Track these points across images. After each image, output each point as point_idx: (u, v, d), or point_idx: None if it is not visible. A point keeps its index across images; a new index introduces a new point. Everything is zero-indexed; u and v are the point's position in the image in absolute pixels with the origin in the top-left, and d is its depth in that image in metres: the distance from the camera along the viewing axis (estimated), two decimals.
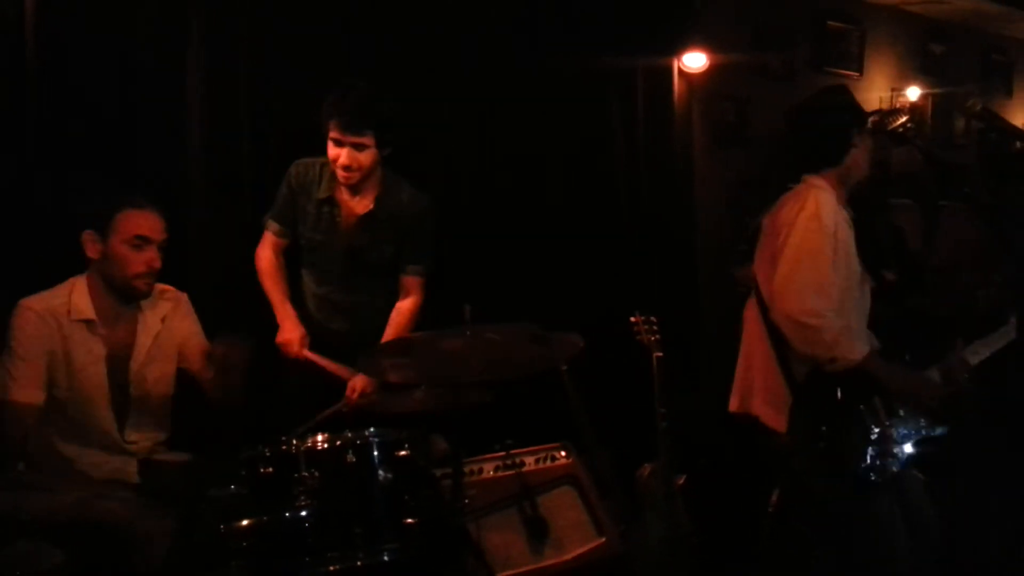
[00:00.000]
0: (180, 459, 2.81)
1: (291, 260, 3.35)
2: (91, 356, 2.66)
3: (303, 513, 2.37)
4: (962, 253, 3.61)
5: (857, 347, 2.68)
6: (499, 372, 2.56)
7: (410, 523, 2.45)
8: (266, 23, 3.54)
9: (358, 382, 3.12)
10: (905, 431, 2.76)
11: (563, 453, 3.41)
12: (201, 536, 2.37)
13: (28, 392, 2.56)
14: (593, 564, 3.29)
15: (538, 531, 3.23)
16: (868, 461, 2.69)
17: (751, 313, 3.04)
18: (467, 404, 2.67)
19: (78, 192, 3.11)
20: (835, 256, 2.74)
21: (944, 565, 2.96)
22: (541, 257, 4.17)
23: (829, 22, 5.76)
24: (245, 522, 2.35)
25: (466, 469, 3.07)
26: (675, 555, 3.60)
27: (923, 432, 2.82)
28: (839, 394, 2.72)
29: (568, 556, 3.25)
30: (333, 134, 3.08)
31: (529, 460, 3.34)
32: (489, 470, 3.26)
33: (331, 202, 3.21)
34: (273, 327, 3.22)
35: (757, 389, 2.99)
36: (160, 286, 2.83)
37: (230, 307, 3.34)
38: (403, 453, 2.53)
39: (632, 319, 3.77)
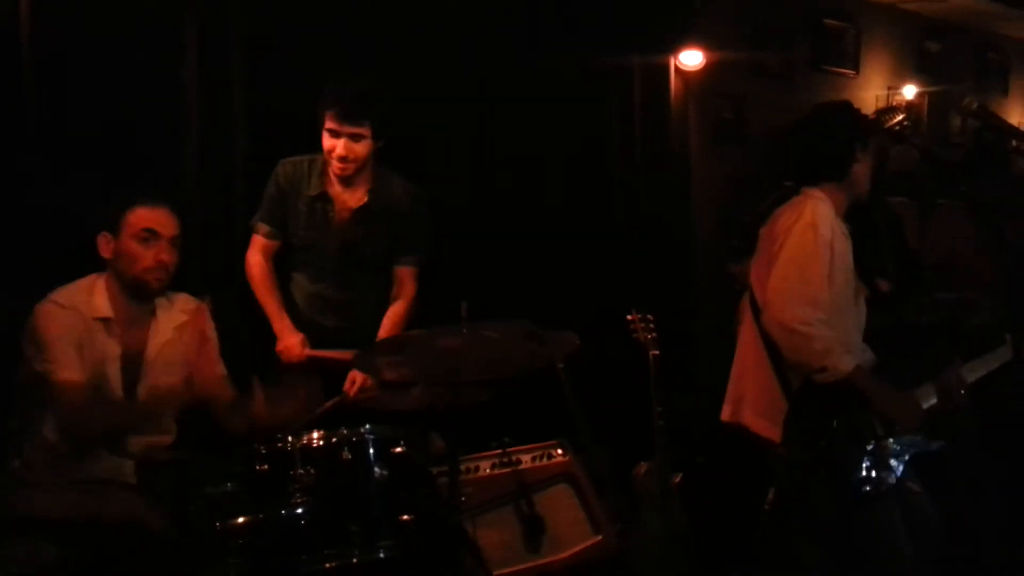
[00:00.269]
0: (176, 457, 2.80)
1: (279, 262, 3.33)
2: (106, 355, 2.66)
3: (299, 511, 2.36)
4: (959, 251, 3.61)
5: (846, 359, 2.65)
6: (496, 370, 2.56)
7: (406, 520, 2.45)
8: (263, 22, 3.53)
9: (356, 374, 3.12)
10: (901, 446, 2.74)
11: (559, 451, 3.41)
12: (197, 534, 2.37)
13: (70, 373, 2.56)
14: (589, 562, 3.29)
15: (534, 529, 3.23)
16: (864, 473, 2.68)
17: (746, 321, 3.03)
18: (464, 402, 2.67)
19: (92, 197, 3.12)
20: (830, 267, 2.73)
21: (945, 566, 2.96)
22: (538, 255, 4.17)
23: (826, 20, 5.76)
24: (241, 520, 2.34)
25: (462, 467, 3.07)
26: (671, 553, 3.61)
27: (919, 448, 2.81)
28: (836, 405, 2.70)
29: (564, 554, 3.25)
30: (330, 124, 3.07)
31: (525, 458, 3.34)
32: (486, 468, 3.26)
33: (324, 198, 3.20)
34: (266, 327, 3.22)
35: (748, 399, 2.98)
36: (180, 295, 2.83)
37: (226, 307, 3.33)
38: (399, 450, 2.53)
39: (629, 317, 3.77)
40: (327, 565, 2.35)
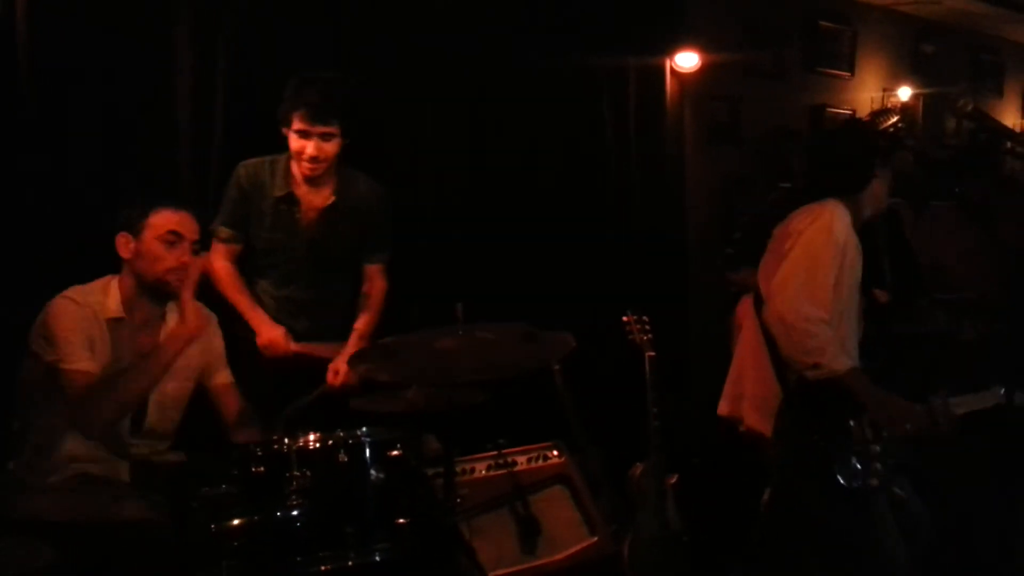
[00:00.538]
0: (172, 459, 2.80)
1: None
2: (118, 355, 2.66)
3: (294, 512, 2.36)
4: (948, 252, 3.62)
5: (841, 359, 2.68)
6: (491, 371, 2.56)
7: (402, 523, 2.44)
8: (257, 24, 3.53)
9: (340, 365, 3.11)
10: (888, 448, 2.75)
11: (555, 452, 3.41)
12: (192, 536, 2.36)
13: (81, 363, 2.55)
14: (585, 563, 3.29)
15: (530, 531, 3.23)
16: (852, 470, 2.69)
17: (748, 318, 3.05)
18: (459, 403, 2.68)
19: (88, 197, 3.14)
20: (839, 271, 2.76)
21: (938, 565, 2.97)
22: (533, 256, 4.18)
23: (821, 22, 5.78)
24: (236, 522, 2.33)
25: (458, 469, 3.07)
26: (667, 554, 3.61)
27: (906, 455, 2.83)
28: (828, 403, 2.72)
29: (560, 555, 3.26)
30: (299, 126, 3.03)
31: (521, 459, 3.34)
32: (481, 470, 3.27)
33: (290, 199, 3.16)
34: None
35: (747, 394, 3.00)
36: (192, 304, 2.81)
37: (221, 307, 3.33)
38: (395, 453, 2.52)
39: (624, 318, 3.77)
40: (322, 567, 2.34)
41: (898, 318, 3.18)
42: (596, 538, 3.34)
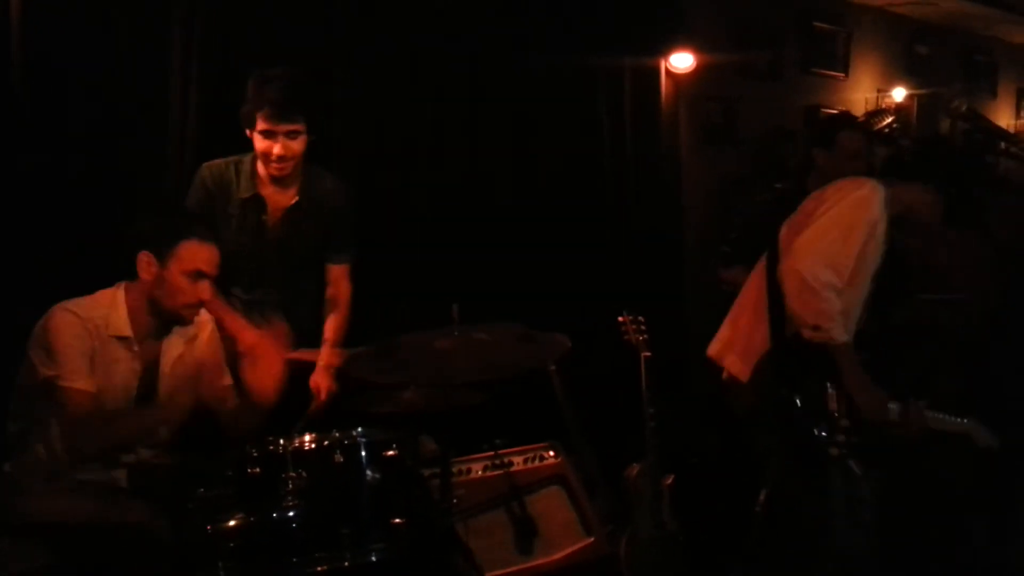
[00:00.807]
0: (168, 460, 2.79)
1: None
2: (126, 372, 2.63)
3: (291, 513, 2.36)
4: (944, 251, 3.63)
5: (841, 331, 2.72)
6: (488, 372, 2.56)
7: (398, 523, 2.44)
8: (254, 21, 3.52)
9: (320, 381, 3.08)
10: (856, 431, 2.78)
11: (551, 453, 3.41)
12: (189, 537, 2.36)
13: (79, 382, 2.52)
14: (581, 564, 3.30)
15: (526, 531, 3.23)
16: (815, 434, 2.73)
17: (758, 270, 3.08)
18: (456, 404, 2.67)
19: (84, 197, 3.13)
20: (864, 246, 2.78)
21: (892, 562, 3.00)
22: (529, 257, 4.18)
23: (815, 23, 5.79)
24: (232, 523, 2.33)
25: (454, 469, 3.07)
26: (663, 555, 3.61)
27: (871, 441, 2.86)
28: (815, 364, 2.75)
29: (556, 556, 3.26)
30: (263, 125, 2.96)
31: (517, 460, 3.34)
32: (477, 470, 3.26)
33: (256, 200, 3.10)
34: None
35: (736, 340, 3.06)
36: None
37: None
38: (391, 453, 2.52)
39: (620, 319, 3.77)
40: (318, 568, 2.34)
41: (888, 309, 3.19)
42: (592, 538, 3.34)
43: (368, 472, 2.47)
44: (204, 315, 2.82)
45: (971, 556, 3.33)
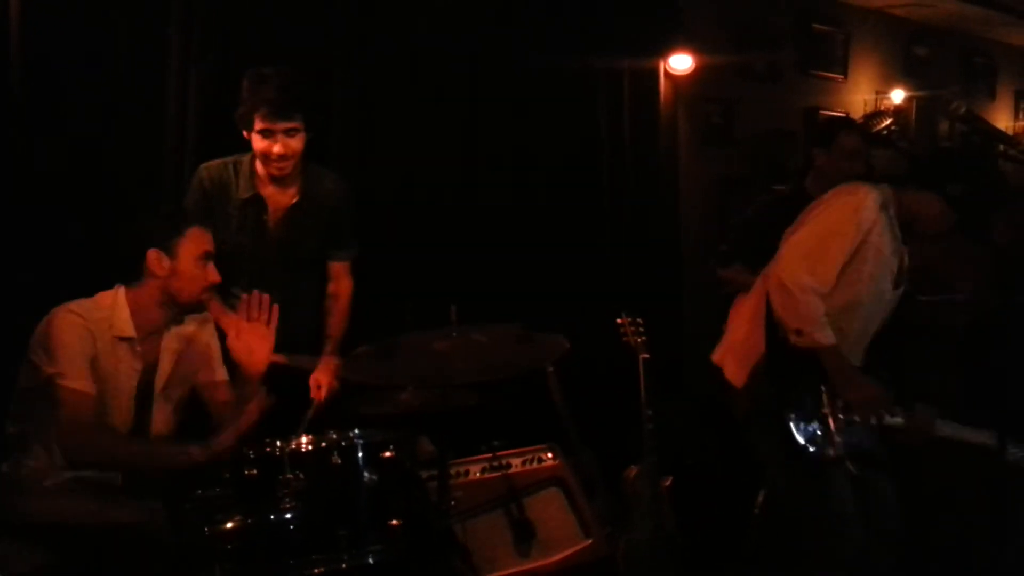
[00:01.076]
0: None
1: None
2: (127, 371, 2.63)
3: (288, 515, 2.35)
4: (942, 252, 3.62)
5: (825, 333, 2.72)
6: (486, 373, 2.56)
7: (395, 525, 2.44)
8: (251, 20, 3.52)
9: (321, 377, 3.08)
10: (854, 431, 2.78)
11: (549, 455, 3.41)
12: (185, 538, 2.36)
13: (79, 382, 2.52)
14: (579, 566, 3.29)
15: (524, 533, 3.23)
16: (810, 435, 2.73)
17: (763, 274, 3.08)
18: (453, 405, 2.67)
19: (80, 198, 3.12)
20: (855, 252, 2.77)
21: (910, 563, 2.99)
22: (527, 258, 4.18)
23: (814, 25, 5.79)
24: (229, 524, 2.33)
25: (452, 471, 3.07)
26: (661, 556, 3.60)
27: (870, 442, 2.85)
28: (807, 366, 2.75)
29: (554, 558, 3.25)
30: (261, 125, 2.95)
31: (515, 462, 3.34)
32: (475, 472, 3.26)
33: (256, 200, 3.10)
34: None
35: (735, 345, 3.09)
36: None
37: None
38: (389, 455, 2.52)
39: (618, 320, 3.77)
40: (316, 570, 2.34)
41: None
42: (590, 540, 3.34)
43: (365, 473, 2.46)
44: (202, 313, 2.82)
45: (972, 557, 3.33)
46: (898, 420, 2.82)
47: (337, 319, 3.23)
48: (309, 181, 3.15)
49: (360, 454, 2.48)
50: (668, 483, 3.72)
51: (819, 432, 2.73)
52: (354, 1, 3.79)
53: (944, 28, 6.58)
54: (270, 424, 2.79)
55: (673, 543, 3.65)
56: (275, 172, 3.05)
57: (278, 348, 3.11)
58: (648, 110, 4.77)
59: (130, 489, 2.63)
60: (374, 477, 2.46)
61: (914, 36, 6.46)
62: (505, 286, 4.01)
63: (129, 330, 2.62)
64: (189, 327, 2.78)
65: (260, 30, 3.52)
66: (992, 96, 7.16)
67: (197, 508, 2.34)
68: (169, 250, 2.62)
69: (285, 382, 3.05)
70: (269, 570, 2.34)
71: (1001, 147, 3.68)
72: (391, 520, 2.44)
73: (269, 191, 3.11)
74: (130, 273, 2.65)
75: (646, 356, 3.69)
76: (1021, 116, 7.43)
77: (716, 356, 3.20)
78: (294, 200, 3.13)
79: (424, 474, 2.76)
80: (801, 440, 2.73)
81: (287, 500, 2.36)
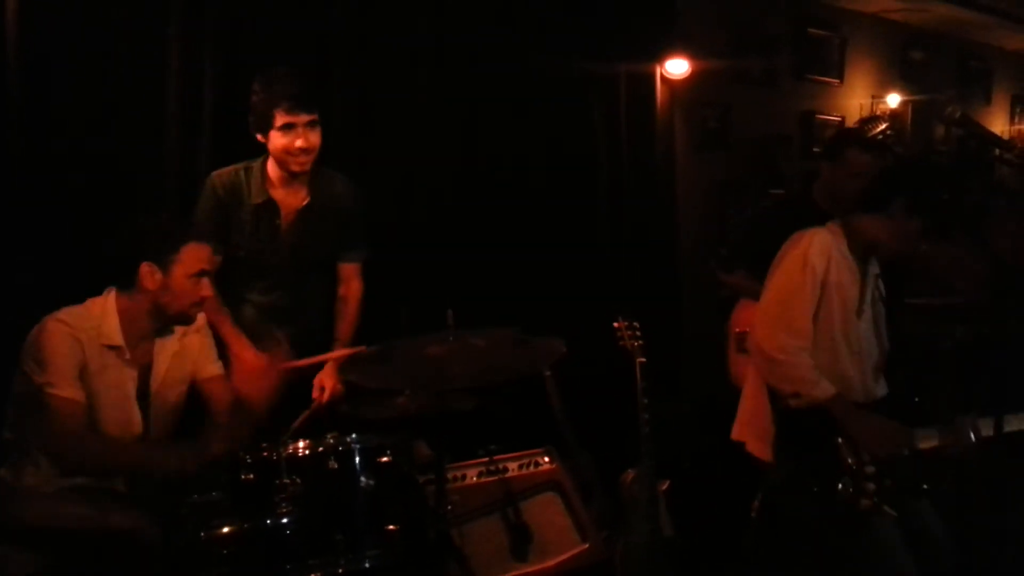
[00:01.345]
0: None
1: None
2: (122, 379, 2.63)
3: (285, 520, 2.35)
4: (941, 256, 3.63)
5: (822, 387, 2.69)
6: (482, 377, 2.56)
7: (392, 530, 2.44)
8: (249, 20, 3.52)
9: (326, 380, 3.10)
10: (886, 473, 2.74)
11: (546, 459, 3.41)
12: (182, 543, 2.35)
13: (69, 391, 2.52)
14: (576, 570, 3.29)
15: (521, 537, 3.22)
16: (841, 493, 2.68)
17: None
18: (450, 409, 2.67)
19: (76, 199, 3.12)
20: (818, 299, 2.76)
21: None
22: (524, 262, 4.17)
23: (810, 29, 5.80)
24: (226, 529, 2.33)
25: (449, 475, 3.07)
26: (658, 560, 3.60)
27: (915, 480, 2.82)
28: (816, 426, 2.72)
29: (551, 562, 3.25)
30: (283, 120, 2.98)
31: (512, 466, 3.33)
32: (472, 476, 3.26)
33: (269, 204, 3.12)
34: None
35: (751, 420, 3.03)
36: None
37: None
38: (386, 459, 2.52)
39: (615, 324, 3.77)
40: (313, 575, 2.34)
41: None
42: (587, 544, 3.34)
43: (362, 478, 2.47)
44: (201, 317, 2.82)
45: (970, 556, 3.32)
46: (934, 440, 2.77)
47: (347, 322, 3.25)
48: (319, 183, 3.18)
49: (357, 459, 2.48)
50: (665, 486, 3.71)
51: (850, 488, 2.67)
52: (353, 1, 3.79)
53: (940, 32, 6.60)
54: (269, 421, 2.81)
55: (670, 546, 3.65)
56: (296, 168, 3.06)
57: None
58: (644, 114, 4.78)
59: (129, 495, 2.63)
60: (371, 482, 2.46)
61: (910, 40, 6.47)
62: (502, 289, 4.01)
63: (117, 339, 2.62)
64: (181, 329, 2.78)
65: (259, 30, 3.53)
66: (988, 100, 7.18)
67: (194, 513, 2.34)
68: (163, 265, 2.61)
69: (291, 386, 3.06)
70: (266, 575, 2.33)
71: (997, 151, 3.68)
72: (388, 525, 2.44)
73: (281, 194, 3.14)
74: (123, 279, 2.65)
75: (643, 359, 3.69)
76: (1017, 120, 7.45)
77: (735, 433, 3.13)
78: (304, 202, 3.16)
79: (421, 478, 2.76)
80: (837, 504, 2.67)
81: (284, 505, 2.36)
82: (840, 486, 2.67)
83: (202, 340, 2.84)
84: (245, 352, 3.04)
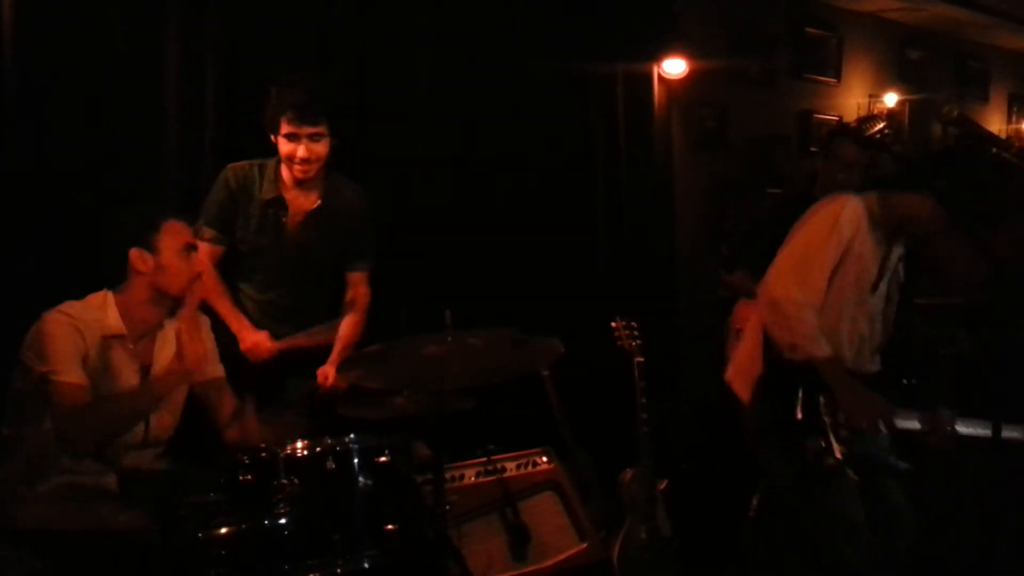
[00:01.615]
0: (159, 466, 2.78)
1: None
2: (124, 371, 2.64)
3: (282, 521, 2.35)
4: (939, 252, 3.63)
5: (820, 346, 2.72)
6: (480, 378, 2.56)
7: (390, 530, 2.43)
8: (247, 19, 3.52)
9: (329, 369, 3.14)
10: (857, 440, 2.77)
11: (545, 458, 3.41)
12: (180, 543, 2.35)
13: (72, 377, 2.53)
14: (575, 570, 3.29)
15: (520, 537, 3.22)
16: (813, 447, 2.73)
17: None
18: (448, 409, 2.67)
19: (74, 199, 3.13)
20: (837, 263, 2.78)
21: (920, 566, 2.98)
22: (522, 262, 4.18)
23: (807, 29, 5.81)
24: (224, 530, 2.32)
25: (447, 475, 3.06)
26: (657, 560, 3.61)
27: (879, 453, 2.85)
28: (805, 380, 2.75)
29: (550, 562, 3.25)
30: (287, 129, 3.03)
31: (511, 466, 3.33)
32: (470, 476, 3.26)
33: (278, 202, 3.16)
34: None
35: (742, 363, 3.10)
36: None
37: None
38: (383, 460, 2.52)
39: (613, 324, 3.77)
40: (311, 575, 2.34)
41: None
42: (586, 544, 3.34)
43: (360, 479, 2.46)
44: (201, 317, 2.83)
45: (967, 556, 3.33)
46: (914, 424, 2.81)
47: (351, 324, 3.26)
48: (330, 189, 3.22)
49: (355, 459, 2.47)
50: (664, 486, 3.72)
51: (821, 443, 2.71)
52: (353, 1, 3.79)
53: (937, 32, 6.60)
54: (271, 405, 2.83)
55: (669, 546, 3.65)
56: (298, 175, 3.11)
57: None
58: (642, 114, 4.78)
59: (124, 494, 2.63)
60: (369, 482, 2.46)
61: (907, 40, 6.48)
62: (500, 290, 4.01)
63: (119, 327, 2.64)
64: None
65: (259, 30, 3.53)
66: (985, 99, 7.19)
67: (192, 513, 2.34)
68: (150, 246, 2.64)
69: (291, 371, 3.11)
70: (264, 575, 2.33)
71: (994, 150, 3.68)
72: (386, 525, 2.44)
73: (291, 195, 3.18)
74: (116, 275, 2.67)
75: (641, 359, 3.69)
76: (1014, 119, 7.45)
77: (727, 374, 3.22)
78: (314, 205, 3.19)
79: (419, 478, 2.76)
80: (806, 457, 2.71)
81: (282, 505, 2.36)
82: (809, 441, 2.71)
83: (202, 342, 2.84)
84: (244, 332, 3.14)
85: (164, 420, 2.74)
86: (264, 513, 2.35)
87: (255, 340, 3.16)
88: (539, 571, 3.22)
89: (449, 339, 2.46)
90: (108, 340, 2.62)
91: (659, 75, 4.84)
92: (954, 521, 3.39)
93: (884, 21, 6.31)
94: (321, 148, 3.08)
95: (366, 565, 2.38)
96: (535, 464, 3.38)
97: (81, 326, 2.57)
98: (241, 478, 2.40)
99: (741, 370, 3.09)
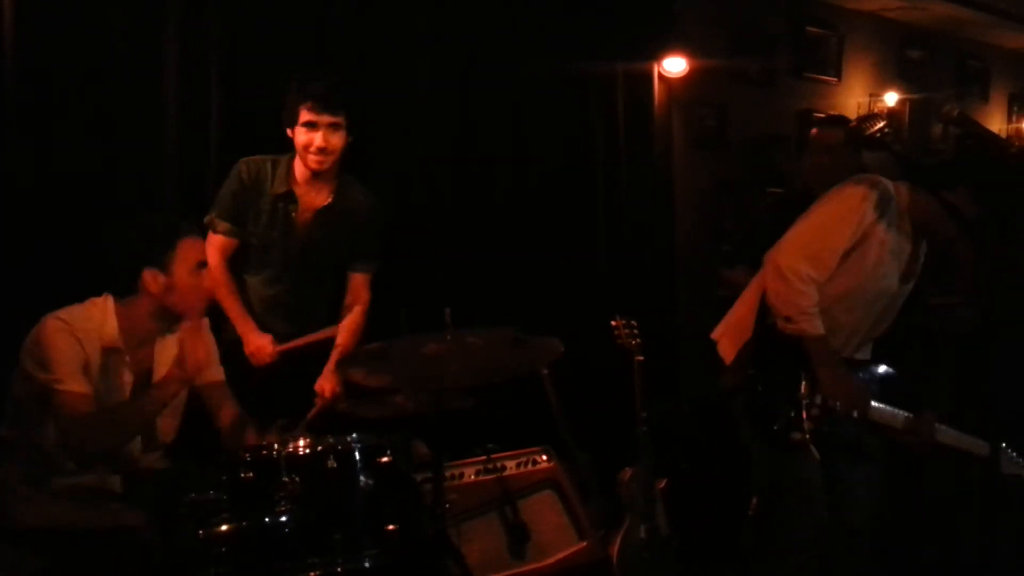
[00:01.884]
0: (159, 465, 2.79)
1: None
2: (119, 382, 2.64)
3: (283, 519, 2.35)
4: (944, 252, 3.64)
5: (814, 323, 2.73)
6: (480, 376, 2.56)
7: (391, 529, 2.44)
8: (247, 18, 3.52)
9: (326, 384, 3.12)
10: (828, 421, 2.79)
11: (544, 457, 3.41)
12: (181, 542, 2.36)
13: (76, 385, 2.52)
14: (574, 568, 3.29)
15: (519, 536, 3.23)
16: (783, 418, 2.75)
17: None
18: (448, 408, 2.67)
19: (73, 199, 3.13)
20: (857, 244, 2.76)
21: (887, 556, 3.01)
22: (522, 261, 4.18)
23: (808, 28, 5.81)
24: (224, 528, 2.33)
25: (447, 474, 3.07)
26: (656, 559, 3.61)
27: (850, 439, 2.87)
28: (790, 351, 2.77)
29: (549, 560, 3.26)
30: (306, 117, 3.05)
31: (510, 464, 3.34)
32: (470, 475, 3.26)
33: (288, 197, 3.18)
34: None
35: (733, 325, 3.08)
36: None
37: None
38: (384, 459, 2.52)
39: (612, 323, 3.77)
40: (311, 574, 2.34)
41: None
42: (585, 543, 3.34)
43: (361, 478, 2.47)
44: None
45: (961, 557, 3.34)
46: (898, 421, 2.83)
47: (350, 327, 3.25)
48: (341, 188, 3.24)
49: (356, 458, 2.48)
50: (663, 485, 3.72)
51: (792, 415, 2.74)
52: (353, 1, 3.79)
53: (937, 31, 6.60)
54: (272, 416, 2.83)
55: (668, 545, 3.65)
56: (313, 165, 3.12)
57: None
58: (642, 113, 4.78)
59: (125, 494, 2.63)
60: (370, 481, 2.46)
61: (907, 39, 6.48)
62: (500, 289, 4.02)
63: (116, 341, 2.62)
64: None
65: (259, 31, 3.53)
66: (985, 99, 7.18)
67: (192, 511, 2.34)
68: (163, 266, 2.62)
69: (291, 375, 3.09)
70: (264, 574, 2.34)
71: (993, 150, 3.68)
72: (387, 524, 2.44)
73: (302, 190, 3.20)
74: (124, 287, 2.65)
75: (641, 358, 3.69)
76: (1014, 119, 7.45)
77: (715, 332, 3.19)
78: (324, 203, 3.21)
79: (419, 477, 2.77)
80: (774, 425, 2.75)
81: (282, 504, 2.36)
82: (780, 412, 2.73)
83: (205, 345, 2.84)
84: (250, 335, 3.15)
85: (167, 423, 2.75)
86: (265, 511, 2.36)
87: (259, 344, 3.16)
88: (538, 570, 3.23)
89: (449, 338, 2.47)
90: (108, 352, 2.61)
91: (659, 74, 4.84)
92: (954, 521, 3.40)
93: (884, 20, 6.30)
94: (338, 140, 3.10)
95: (367, 564, 2.38)
96: (534, 463, 3.39)
97: (80, 335, 2.56)
98: (242, 476, 2.40)
99: (731, 330, 3.06)
